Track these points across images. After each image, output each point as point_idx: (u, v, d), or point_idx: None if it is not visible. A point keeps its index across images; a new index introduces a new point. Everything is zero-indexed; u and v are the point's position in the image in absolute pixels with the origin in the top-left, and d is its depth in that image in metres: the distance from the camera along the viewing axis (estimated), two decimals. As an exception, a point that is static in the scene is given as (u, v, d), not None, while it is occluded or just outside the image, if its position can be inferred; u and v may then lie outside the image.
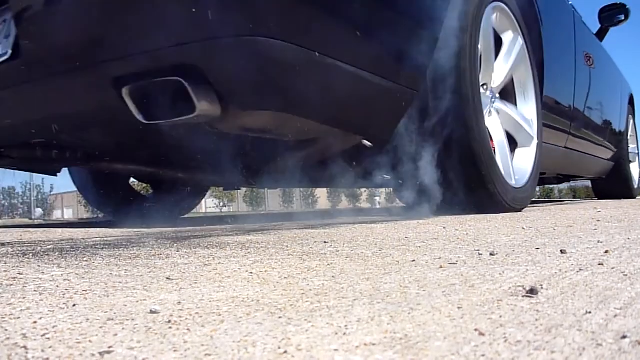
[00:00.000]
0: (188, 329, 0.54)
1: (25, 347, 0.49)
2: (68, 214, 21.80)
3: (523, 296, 0.68)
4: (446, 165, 2.04)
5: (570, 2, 3.50)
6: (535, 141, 2.55)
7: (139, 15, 1.46)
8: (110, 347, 0.49)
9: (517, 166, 2.47)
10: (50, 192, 12.65)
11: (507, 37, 2.43)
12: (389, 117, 1.87)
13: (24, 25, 1.69)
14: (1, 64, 1.74)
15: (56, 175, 2.97)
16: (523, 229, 1.59)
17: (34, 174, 11.65)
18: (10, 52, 1.72)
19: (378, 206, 15.47)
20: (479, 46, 2.10)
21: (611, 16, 4.42)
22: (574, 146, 3.50)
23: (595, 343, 0.48)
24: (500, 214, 2.24)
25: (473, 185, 2.11)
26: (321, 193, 17.05)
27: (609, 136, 4.51)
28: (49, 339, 0.52)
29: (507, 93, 2.49)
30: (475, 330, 0.52)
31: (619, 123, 4.89)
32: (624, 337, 0.49)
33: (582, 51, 3.53)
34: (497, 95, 2.39)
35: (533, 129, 2.54)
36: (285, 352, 0.47)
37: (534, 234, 1.42)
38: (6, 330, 0.55)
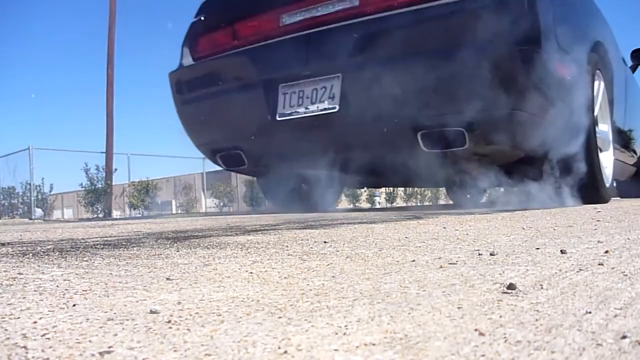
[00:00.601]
0: (188, 329, 0.54)
1: (25, 347, 0.49)
2: (68, 214, 21.81)
3: (503, 292, 0.69)
4: (575, 174, 3.06)
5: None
6: (612, 159, 3.79)
7: (444, 95, 2.68)
8: (110, 347, 0.49)
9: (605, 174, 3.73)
10: (50, 192, 12.63)
11: (603, 126, 3.73)
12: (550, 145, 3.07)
13: (350, 89, 2.85)
14: (330, 114, 2.87)
15: (255, 176, 4.51)
16: (523, 229, 1.59)
17: (34, 175, 11.66)
18: (337, 107, 2.86)
19: (378, 206, 15.46)
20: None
21: None
22: (619, 157, 4.51)
23: (595, 343, 0.48)
24: (500, 214, 2.32)
25: (591, 186, 3.16)
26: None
27: (635, 146, 5.64)
28: (49, 339, 0.52)
29: None
30: (475, 330, 0.52)
31: None
32: (624, 337, 0.49)
33: (628, 85, 4.96)
34: None
35: (610, 160, 3.76)
36: (285, 352, 0.47)
37: (534, 234, 1.42)
38: (6, 330, 0.55)
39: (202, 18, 3.40)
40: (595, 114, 3.35)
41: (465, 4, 2.61)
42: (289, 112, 3.01)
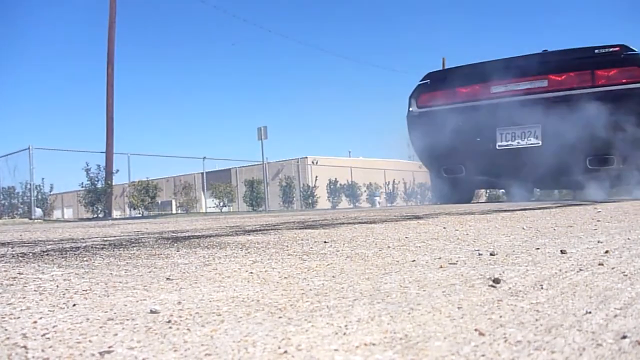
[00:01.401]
0: (188, 329, 0.54)
1: (25, 347, 0.49)
2: (68, 214, 21.82)
3: (489, 286, 0.70)
4: None
5: None
6: None
7: (604, 136, 4.75)
8: (110, 347, 0.49)
9: None
10: (50, 191, 12.62)
11: None
12: None
13: (547, 131, 5.10)
14: (534, 147, 5.20)
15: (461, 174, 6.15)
16: (523, 229, 1.59)
17: (34, 174, 11.65)
18: (540, 142, 5.21)
19: (378, 206, 15.50)
20: None
21: None
22: None
23: (595, 343, 0.48)
24: (501, 214, 2.32)
25: None
26: (321, 193, 17.16)
27: None
28: (49, 338, 0.52)
29: None
30: (475, 330, 0.52)
31: None
32: (624, 337, 0.49)
33: None
34: None
35: None
36: (285, 352, 0.47)
37: (534, 234, 1.42)
38: (6, 330, 0.55)
39: (428, 82, 5.72)
40: None
41: (609, 92, 4.73)
42: (505, 144, 5.31)
